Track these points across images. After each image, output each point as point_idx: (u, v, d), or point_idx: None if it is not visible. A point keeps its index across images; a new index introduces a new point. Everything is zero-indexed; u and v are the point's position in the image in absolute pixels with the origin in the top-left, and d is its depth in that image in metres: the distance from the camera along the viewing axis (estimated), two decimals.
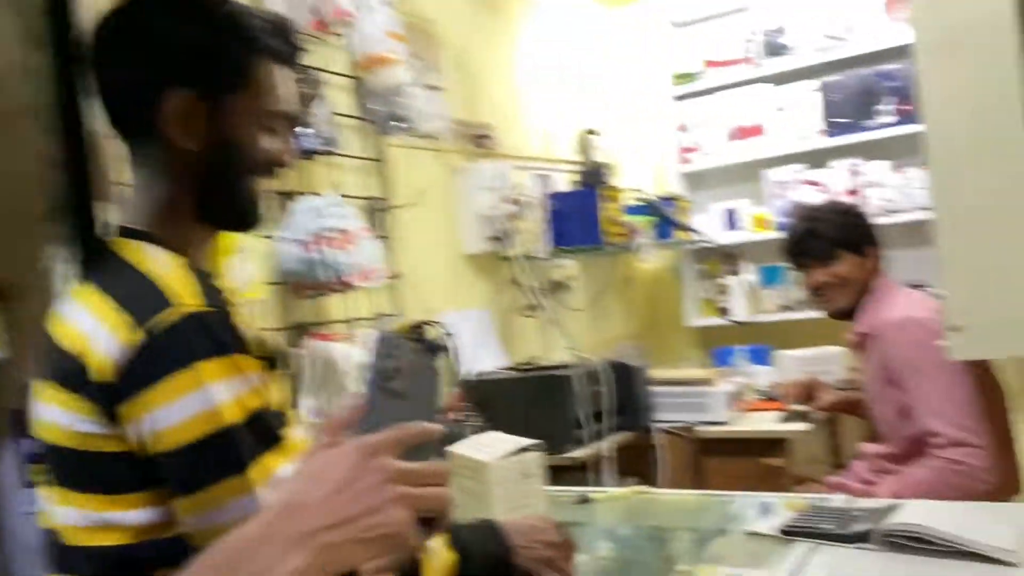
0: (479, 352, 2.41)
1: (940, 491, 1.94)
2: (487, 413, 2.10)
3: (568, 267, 3.03)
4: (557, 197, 2.69)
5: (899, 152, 3.22)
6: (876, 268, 2.27)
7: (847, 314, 2.30)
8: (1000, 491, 2.03)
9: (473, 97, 2.66)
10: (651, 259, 2.84)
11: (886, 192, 3.15)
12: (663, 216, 3.07)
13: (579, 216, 2.63)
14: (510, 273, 2.65)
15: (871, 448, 2.27)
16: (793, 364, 3.04)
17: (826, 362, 3.06)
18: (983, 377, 2.03)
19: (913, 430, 2.07)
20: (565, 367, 2.28)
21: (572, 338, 2.73)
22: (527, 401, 2.21)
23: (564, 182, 3.00)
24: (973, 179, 1.74)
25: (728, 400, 2.48)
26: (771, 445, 2.39)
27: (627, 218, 2.74)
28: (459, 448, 1.75)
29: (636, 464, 2.52)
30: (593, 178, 2.66)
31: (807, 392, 2.49)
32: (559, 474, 2.31)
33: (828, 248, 2.25)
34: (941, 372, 1.96)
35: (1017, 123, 1.69)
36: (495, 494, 1.61)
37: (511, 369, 2.37)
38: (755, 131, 3.37)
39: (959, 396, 1.95)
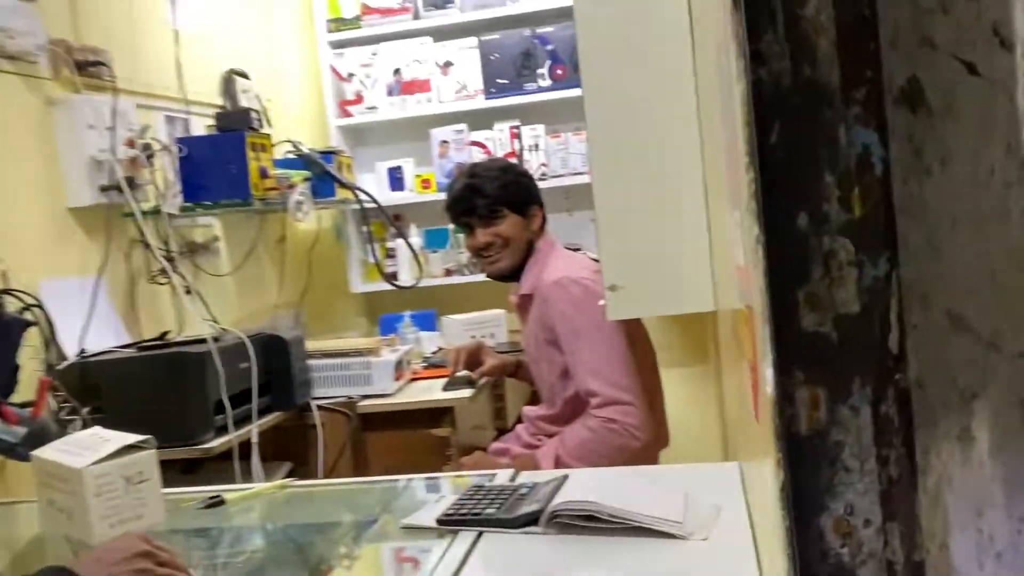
0: (91, 328, 1.96)
1: (598, 450, 1.93)
2: (96, 403, 1.69)
3: (210, 226, 2.64)
4: (194, 143, 2.29)
5: (555, 117, 3.26)
6: (540, 229, 2.22)
7: (511, 275, 2.23)
8: (652, 446, 2.09)
9: (81, 15, 2.16)
10: (308, 219, 2.55)
11: (542, 156, 3.18)
12: (322, 171, 2.80)
13: (222, 166, 2.26)
14: (134, 232, 2.21)
15: (532, 411, 2.23)
16: (458, 328, 2.95)
17: (490, 325, 3.02)
18: (636, 335, 2.06)
19: (572, 391, 2.05)
20: (200, 342, 1.93)
21: (215, 309, 2.37)
22: (152, 385, 1.83)
23: (204, 128, 2.60)
24: (629, 141, 1.70)
25: (393, 370, 2.30)
26: (437, 415, 2.25)
27: (280, 172, 2.43)
28: (47, 452, 1.36)
29: (292, 448, 2.25)
30: (239, 123, 2.29)
31: (471, 357, 2.39)
32: (198, 468, 1.97)
33: (491, 207, 2.16)
34: (598, 332, 1.94)
35: (673, 87, 1.68)
36: (92, 507, 1.26)
37: (131, 347, 1.96)
38: (419, 87, 3.22)
39: (614, 355, 1.95)
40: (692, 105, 1.67)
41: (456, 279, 3.25)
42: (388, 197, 3.25)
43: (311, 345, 2.33)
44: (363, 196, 2.86)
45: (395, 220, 3.35)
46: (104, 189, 2.06)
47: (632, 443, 1.94)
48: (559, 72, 3.12)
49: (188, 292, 2.30)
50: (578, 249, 2.37)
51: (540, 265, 2.15)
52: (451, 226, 3.27)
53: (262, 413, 2.06)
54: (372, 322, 3.49)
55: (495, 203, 2.16)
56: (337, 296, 3.39)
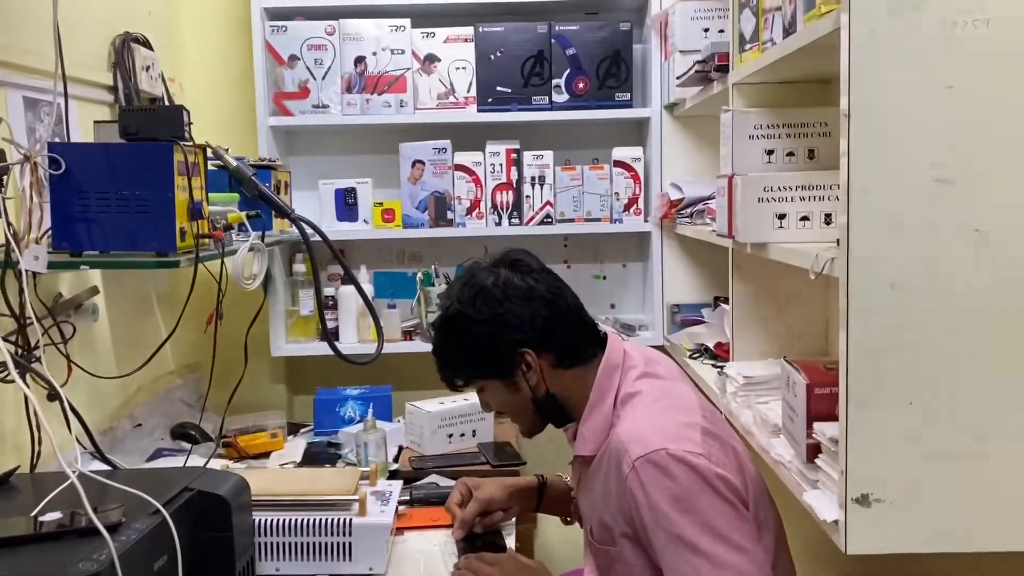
0: None
1: None
2: None
3: (84, 271, 1.72)
4: (77, 154, 1.37)
5: (570, 142, 2.52)
6: (571, 368, 1.42)
7: (555, 422, 1.49)
8: None
9: None
10: (256, 282, 1.67)
11: (548, 193, 2.42)
12: (257, 194, 1.91)
13: (129, 196, 1.36)
14: None
15: None
16: (428, 424, 2.15)
17: (472, 419, 2.24)
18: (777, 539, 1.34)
19: None
20: (84, 532, 1.05)
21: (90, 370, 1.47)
22: None
23: (90, 122, 1.67)
24: (924, 196, 1.00)
25: (388, 535, 1.48)
26: None
27: (218, 207, 1.54)
28: None
29: None
30: (164, 125, 1.39)
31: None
32: None
33: (457, 382, 1.49)
34: (720, 542, 1.18)
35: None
36: None
37: None
38: (389, 85, 2.37)
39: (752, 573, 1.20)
40: None
41: (419, 346, 2.44)
42: (333, 228, 2.40)
43: (254, 484, 1.47)
44: (309, 230, 1.98)
45: (337, 259, 2.50)
46: None
47: None
48: (580, 86, 2.37)
49: (52, 398, 1.39)
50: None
51: (604, 411, 1.38)
52: (418, 273, 2.46)
53: None
54: (295, 391, 2.61)
55: (456, 377, 1.48)
56: (250, 358, 2.47)
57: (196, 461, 1.89)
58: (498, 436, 2.28)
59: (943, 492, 1.00)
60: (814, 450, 1.14)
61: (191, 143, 1.45)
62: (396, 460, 2.12)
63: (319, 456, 2.11)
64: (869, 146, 0.99)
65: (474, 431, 2.23)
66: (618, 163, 2.40)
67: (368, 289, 2.44)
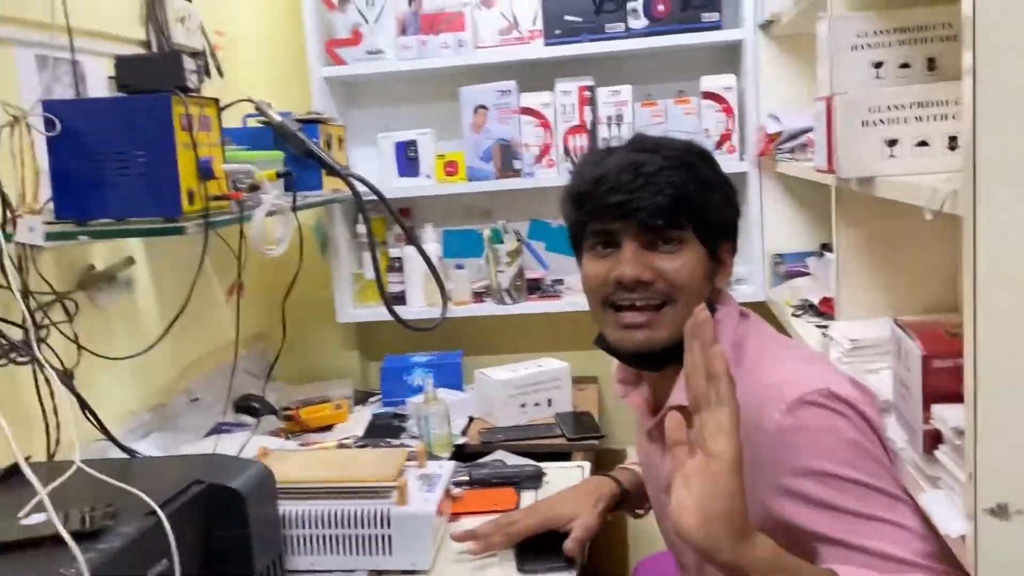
0: None
1: None
2: None
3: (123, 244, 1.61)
4: (72, 110, 1.24)
5: (650, 75, 2.24)
6: (723, 289, 1.22)
7: (658, 357, 1.20)
8: None
9: None
10: (281, 248, 1.52)
11: (627, 132, 2.16)
12: (304, 151, 1.77)
13: (125, 157, 1.22)
14: None
15: None
16: (500, 393, 1.98)
17: (547, 386, 2.05)
18: None
19: None
20: (47, 530, 0.92)
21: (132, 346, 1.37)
22: None
23: (107, 82, 1.55)
24: None
25: (432, 528, 1.32)
26: None
27: (236, 165, 1.38)
28: None
29: None
30: (161, 75, 1.24)
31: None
32: None
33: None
34: (897, 489, 0.95)
35: None
36: None
37: None
38: (447, 24, 2.17)
39: (912, 518, 0.95)
40: None
41: (490, 308, 2.26)
42: (394, 185, 2.23)
43: (283, 470, 1.33)
44: (362, 188, 1.82)
45: (401, 218, 2.34)
46: None
47: None
48: (660, 7, 2.09)
49: (67, 375, 1.28)
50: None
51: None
52: (485, 230, 2.27)
53: None
54: (368, 358, 2.49)
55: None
56: (316, 326, 2.37)
57: (254, 436, 1.79)
58: (577, 405, 2.08)
59: None
60: (933, 438, 0.89)
61: (197, 93, 1.29)
62: (465, 433, 1.96)
63: (384, 429, 1.97)
64: (1009, 22, 0.71)
65: (550, 400, 2.04)
66: (707, 94, 2.12)
67: (436, 249, 2.28)
